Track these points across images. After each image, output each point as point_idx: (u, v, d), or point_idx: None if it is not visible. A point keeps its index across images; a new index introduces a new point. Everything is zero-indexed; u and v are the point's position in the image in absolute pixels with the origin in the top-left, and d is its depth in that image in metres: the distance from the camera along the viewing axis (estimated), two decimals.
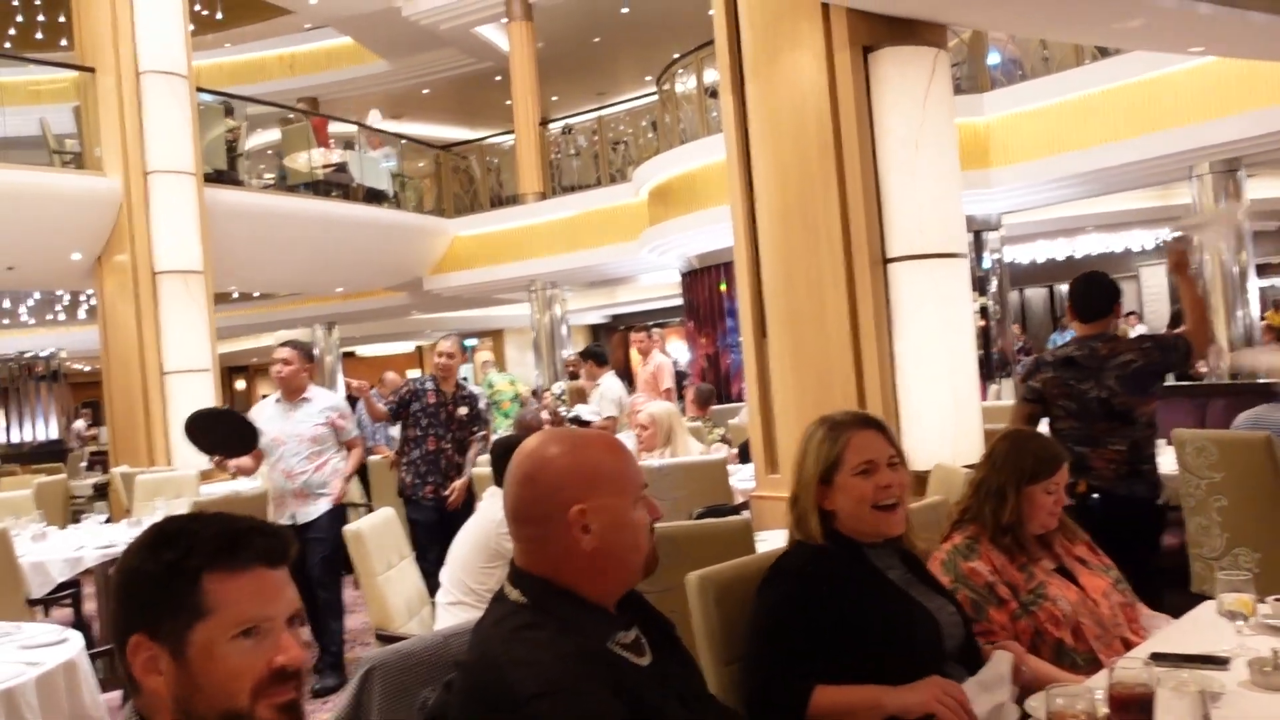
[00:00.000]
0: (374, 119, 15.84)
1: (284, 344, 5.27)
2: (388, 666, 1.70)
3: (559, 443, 1.61)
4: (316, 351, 19.47)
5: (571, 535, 1.52)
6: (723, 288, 12.44)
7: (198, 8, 14.87)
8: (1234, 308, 9.52)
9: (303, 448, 5.18)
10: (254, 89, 15.55)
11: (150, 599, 1.18)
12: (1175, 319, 13.33)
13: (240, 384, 29.24)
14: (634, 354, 11.60)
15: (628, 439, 5.83)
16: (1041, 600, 2.34)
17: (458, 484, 5.84)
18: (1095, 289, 4.01)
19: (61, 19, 13.87)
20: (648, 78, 15.15)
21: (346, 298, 17.24)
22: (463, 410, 5.94)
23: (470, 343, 25.63)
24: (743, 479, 5.51)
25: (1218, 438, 4.13)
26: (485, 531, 3.35)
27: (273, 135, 14.16)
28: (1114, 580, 2.48)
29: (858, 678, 1.97)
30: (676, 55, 12.54)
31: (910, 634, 2.05)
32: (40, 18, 15.30)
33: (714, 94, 11.53)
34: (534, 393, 10.75)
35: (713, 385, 9.46)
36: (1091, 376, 3.85)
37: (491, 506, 3.46)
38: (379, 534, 3.57)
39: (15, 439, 18.02)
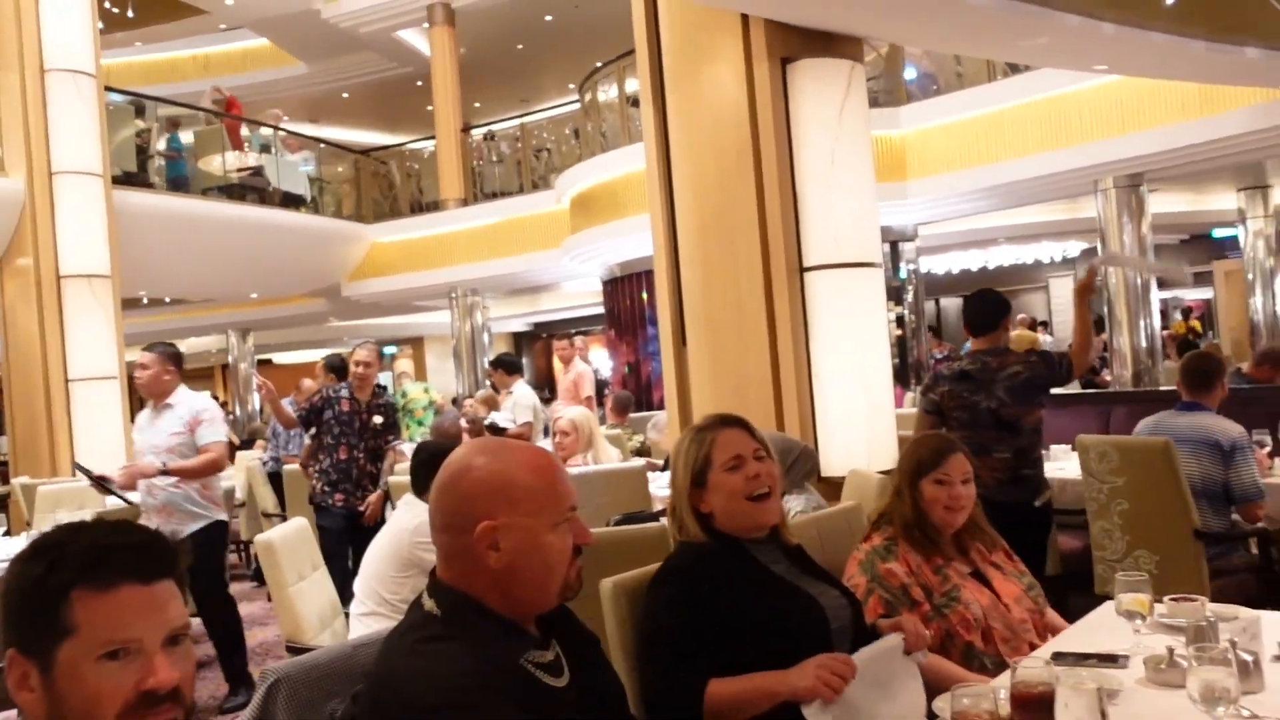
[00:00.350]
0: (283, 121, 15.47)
1: (145, 348, 4.94)
2: (293, 679, 1.66)
3: (485, 454, 1.57)
4: (231, 359, 19.05)
5: (479, 551, 1.49)
6: (644, 296, 12.48)
7: (108, 5, 14.48)
8: (1137, 318, 9.85)
9: (158, 459, 4.74)
10: (167, 90, 15.17)
11: (20, 614, 1.14)
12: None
13: None
14: (557, 362, 11.56)
15: (545, 445, 5.82)
16: (954, 603, 2.40)
17: (373, 498, 5.74)
18: (986, 305, 4.35)
19: None
20: (571, 85, 15.15)
21: (262, 304, 16.87)
22: (378, 419, 5.83)
23: (390, 350, 25.30)
24: (662, 486, 5.52)
25: (1118, 443, 4.26)
26: (398, 540, 3.30)
27: (186, 137, 13.82)
28: (1026, 586, 2.55)
29: (750, 670, 2.00)
30: (599, 64, 12.57)
31: (796, 622, 2.10)
32: None
33: (636, 103, 11.58)
34: (454, 400, 10.65)
35: (633, 393, 9.46)
36: (983, 388, 4.17)
37: (405, 515, 3.41)
38: (290, 544, 3.49)
39: None
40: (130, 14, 15.53)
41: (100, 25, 9.97)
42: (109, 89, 10.15)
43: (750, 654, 2.02)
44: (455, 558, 1.52)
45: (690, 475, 2.20)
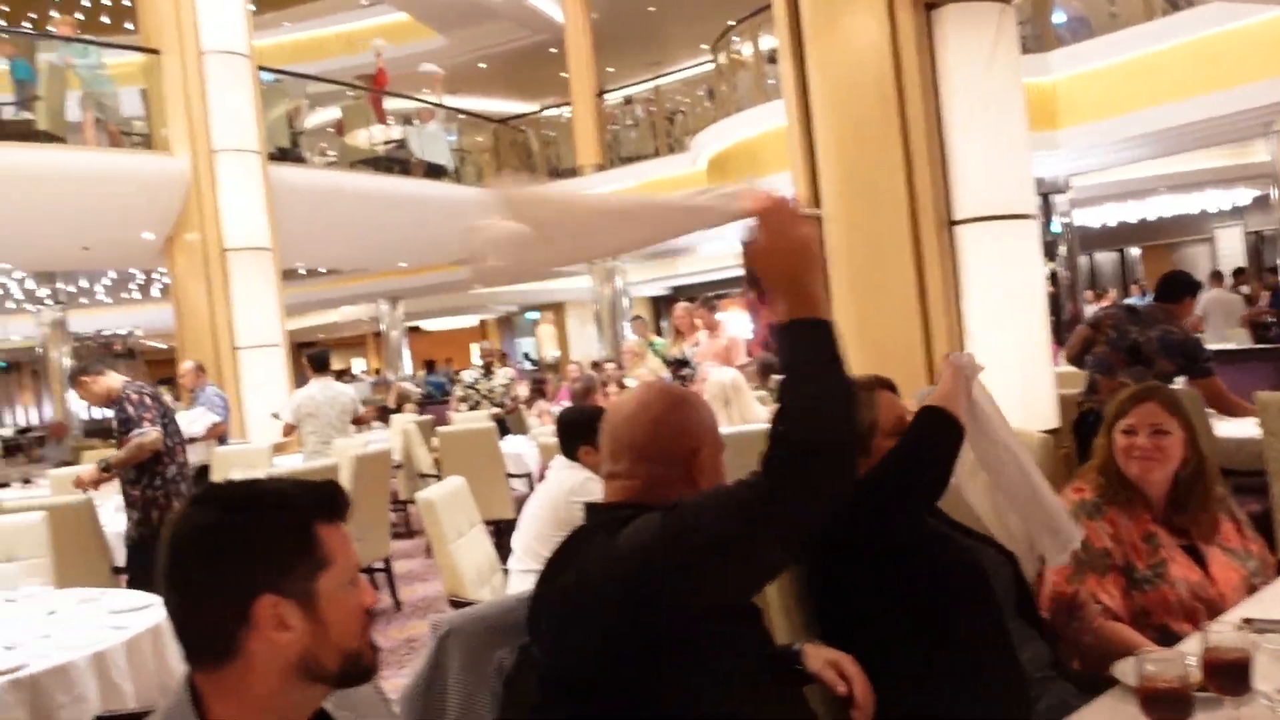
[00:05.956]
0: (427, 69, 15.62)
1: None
2: (464, 630, 1.72)
3: (670, 394, 1.73)
4: (382, 327, 19.76)
5: (693, 476, 1.62)
6: None
7: None
8: None
9: None
10: (313, 67, 15.70)
11: (274, 557, 1.19)
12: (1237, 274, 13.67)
13: None
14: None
15: None
16: (1158, 581, 2.23)
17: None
18: (1174, 281, 5.11)
19: (126, 2, 14.14)
20: (703, 45, 15.01)
21: (409, 273, 17.39)
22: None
23: (532, 316, 25.79)
24: None
25: None
26: (555, 500, 3.38)
27: (333, 113, 14.29)
28: (1250, 573, 2.30)
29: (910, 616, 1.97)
30: (732, 22, 12.41)
31: (953, 570, 2.04)
32: (106, 1, 15.65)
33: (772, 60, 11.39)
34: (594, 365, 10.74)
35: (775, 356, 9.33)
36: (1141, 324, 4.89)
37: (560, 475, 3.48)
38: (450, 502, 3.61)
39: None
40: None
41: (251, 7, 10.37)
42: (261, 68, 10.54)
43: (907, 601, 1.99)
44: (661, 486, 1.60)
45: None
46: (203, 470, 6.82)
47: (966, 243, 4.51)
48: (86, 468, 4.54)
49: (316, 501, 1.24)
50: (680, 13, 16.29)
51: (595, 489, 3.38)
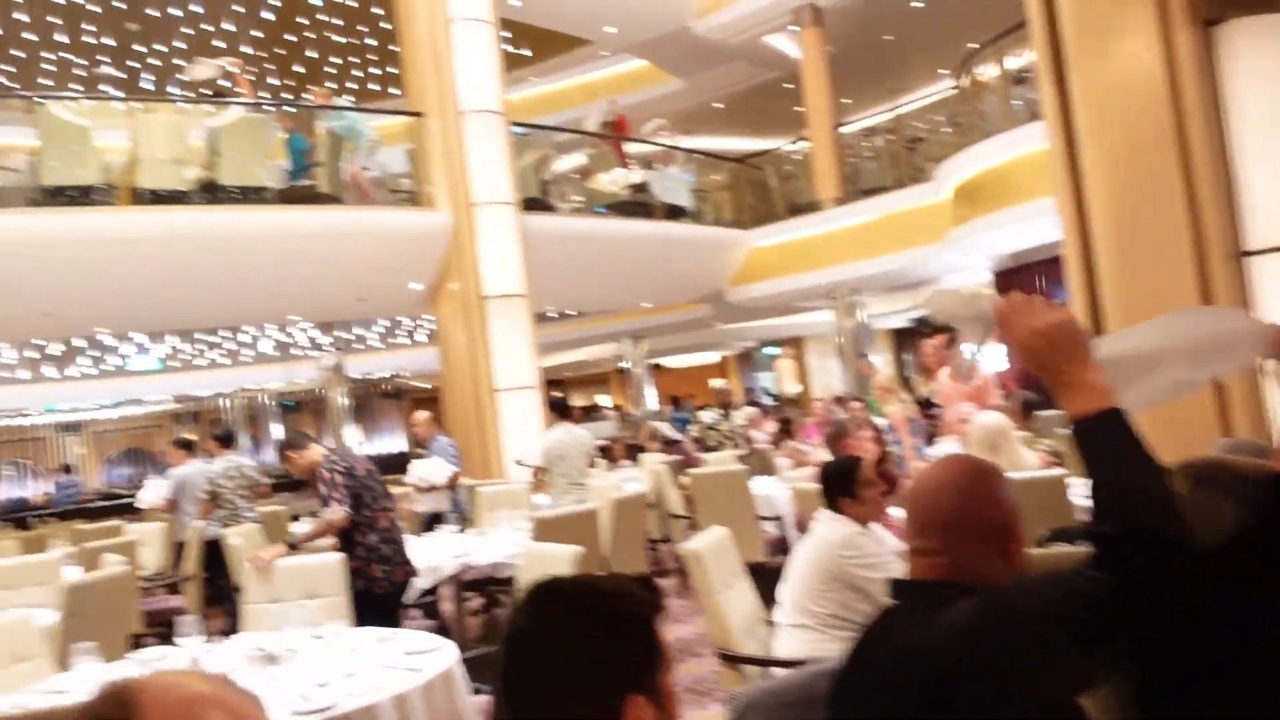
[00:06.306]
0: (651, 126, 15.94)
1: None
2: (760, 705, 1.72)
3: (983, 466, 1.72)
4: (625, 364, 20.29)
5: (1004, 552, 1.60)
6: (1041, 287, 11.74)
7: (507, 47, 15.94)
8: None
9: None
10: (558, 117, 16.41)
11: (635, 656, 1.22)
12: None
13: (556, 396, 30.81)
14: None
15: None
16: None
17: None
18: None
19: (392, 70, 15.34)
20: (941, 71, 14.62)
21: (652, 312, 17.77)
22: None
23: (771, 351, 25.78)
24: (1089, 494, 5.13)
25: None
26: (822, 555, 3.33)
27: (578, 159, 14.88)
28: None
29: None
30: (974, 45, 12.02)
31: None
32: (374, 70, 17.06)
33: (1019, 81, 10.94)
34: (837, 399, 10.59)
35: (1034, 393, 8.87)
36: None
37: (827, 529, 3.43)
38: (716, 553, 3.64)
39: (370, 451, 20.01)
40: (527, 52, 17.02)
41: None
42: (512, 123, 11.11)
43: (1241, 683, 1.79)
44: (972, 563, 1.58)
45: None
46: (439, 517, 7.11)
47: (1262, 276, 4.16)
48: (276, 549, 4.66)
49: (650, 597, 1.27)
50: (918, 39, 15.96)
51: (863, 543, 3.34)
